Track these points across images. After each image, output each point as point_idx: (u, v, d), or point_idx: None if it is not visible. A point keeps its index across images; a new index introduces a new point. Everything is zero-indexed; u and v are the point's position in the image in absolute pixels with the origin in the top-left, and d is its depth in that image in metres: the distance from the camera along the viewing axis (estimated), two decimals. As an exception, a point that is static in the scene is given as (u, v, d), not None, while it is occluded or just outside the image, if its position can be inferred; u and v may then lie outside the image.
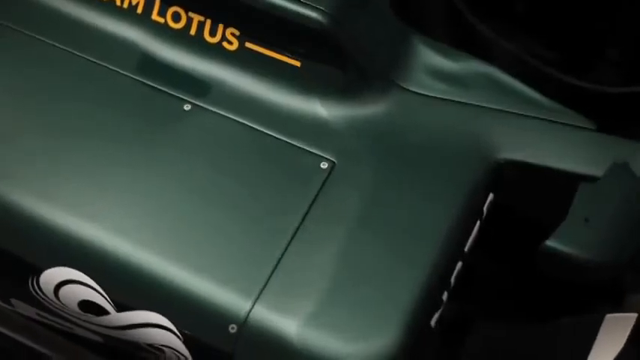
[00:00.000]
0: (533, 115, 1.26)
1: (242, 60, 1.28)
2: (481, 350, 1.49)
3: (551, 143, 1.25)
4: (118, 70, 1.28)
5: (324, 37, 1.23)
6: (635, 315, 1.41)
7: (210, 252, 1.16)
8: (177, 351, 1.17)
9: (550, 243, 1.10)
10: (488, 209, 1.24)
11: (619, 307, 1.45)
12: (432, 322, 1.16)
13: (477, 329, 1.51)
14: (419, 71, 1.29)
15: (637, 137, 1.30)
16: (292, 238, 1.17)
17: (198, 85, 1.28)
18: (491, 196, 1.24)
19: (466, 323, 1.52)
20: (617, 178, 1.15)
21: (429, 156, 1.24)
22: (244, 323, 1.12)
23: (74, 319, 1.24)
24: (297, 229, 1.18)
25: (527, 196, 1.28)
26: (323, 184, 1.21)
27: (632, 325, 1.43)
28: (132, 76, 1.28)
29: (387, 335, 1.11)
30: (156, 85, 1.27)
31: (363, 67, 1.26)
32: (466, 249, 1.20)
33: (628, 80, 1.56)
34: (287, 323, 1.12)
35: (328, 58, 1.25)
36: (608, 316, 1.41)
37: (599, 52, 1.64)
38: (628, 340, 1.43)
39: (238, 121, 1.25)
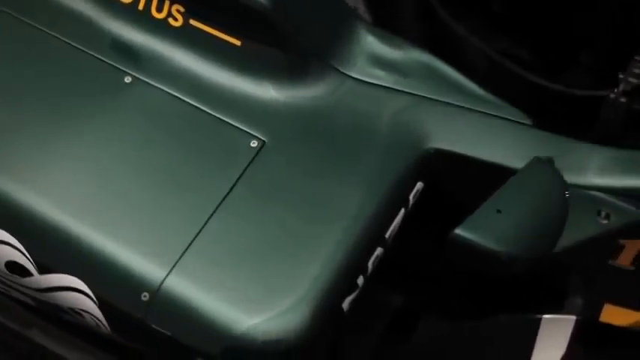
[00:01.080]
0: (470, 107, 1.26)
1: (185, 36, 1.30)
2: (425, 347, 1.49)
3: (485, 136, 1.25)
4: (64, 39, 1.31)
5: (264, 17, 1.25)
6: (574, 318, 1.40)
7: (130, 220, 1.18)
8: (94, 316, 1.19)
9: (458, 231, 1.10)
10: (416, 198, 1.24)
11: (559, 308, 1.44)
12: (345, 305, 1.17)
13: (421, 326, 1.52)
14: (359, 57, 1.29)
15: (590, 139, 1.30)
16: (214, 212, 1.18)
17: (141, 59, 1.30)
18: (419, 184, 1.24)
19: (412, 320, 1.53)
20: (537, 173, 1.15)
21: (359, 141, 1.24)
22: (157, 292, 1.14)
23: (6, 281, 1.27)
24: (220, 204, 1.19)
25: (458, 187, 1.27)
26: (251, 161, 1.22)
27: (571, 328, 1.42)
28: (77, 46, 1.30)
29: (294, 312, 1.12)
30: (100, 57, 1.30)
31: (302, 51, 1.27)
32: (387, 235, 1.21)
33: (597, 84, 1.55)
34: (199, 295, 1.14)
35: (268, 39, 1.26)
36: (546, 316, 1.40)
37: (572, 55, 1.63)
38: (574, 340, 1.43)
39: (175, 96, 1.27)
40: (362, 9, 1.69)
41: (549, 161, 1.17)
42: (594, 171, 1.22)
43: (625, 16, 1.52)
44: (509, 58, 1.63)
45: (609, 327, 1.47)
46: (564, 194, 1.14)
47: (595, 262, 1.34)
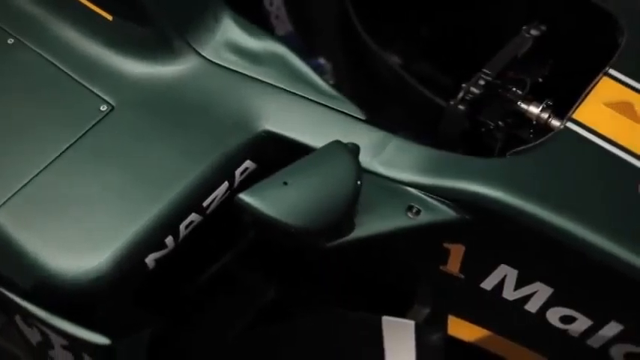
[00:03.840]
0: (310, 97, 1.33)
1: (68, 7, 1.42)
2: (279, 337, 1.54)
3: (316, 124, 1.31)
4: None
5: None
6: (413, 322, 1.42)
7: None
8: None
9: (241, 195, 1.16)
10: (244, 175, 1.31)
11: (405, 314, 1.47)
12: (149, 261, 1.24)
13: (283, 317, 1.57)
14: (217, 41, 1.38)
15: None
16: (50, 163, 1.29)
17: (26, 24, 1.43)
18: (249, 163, 1.31)
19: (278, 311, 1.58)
20: (330, 154, 1.19)
21: (198, 116, 1.33)
22: None
23: None
24: (58, 157, 1.29)
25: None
26: (96, 123, 1.32)
27: (414, 333, 1.44)
28: None
29: (96, 259, 1.21)
30: None
31: (164, 29, 1.37)
32: (206, 204, 1.27)
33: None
34: (20, 234, 1.24)
35: (134, 16, 1.37)
36: (385, 318, 1.42)
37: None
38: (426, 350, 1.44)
39: (47, 59, 1.39)
40: (283, 17, 1.79)
41: (352, 147, 1.21)
42: (411, 168, 1.26)
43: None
44: (421, 78, 1.70)
45: (462, 342, 1.49)
46: (355, 179, 1.18)
47: (424, 265, 1.37)
